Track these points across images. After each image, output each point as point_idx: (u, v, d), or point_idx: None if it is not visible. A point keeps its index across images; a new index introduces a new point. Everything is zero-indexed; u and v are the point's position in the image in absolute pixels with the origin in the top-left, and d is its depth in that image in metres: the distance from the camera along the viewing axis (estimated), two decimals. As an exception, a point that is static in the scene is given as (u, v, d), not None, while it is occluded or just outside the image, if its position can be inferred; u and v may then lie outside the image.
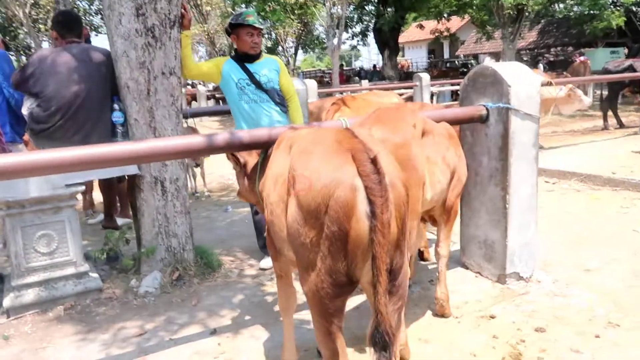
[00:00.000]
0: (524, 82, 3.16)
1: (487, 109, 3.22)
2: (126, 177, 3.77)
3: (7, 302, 3.13)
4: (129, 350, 2.72)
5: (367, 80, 16.85)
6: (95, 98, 3.46)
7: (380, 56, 24.16)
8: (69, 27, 3.63)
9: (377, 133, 2.34)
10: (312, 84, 11.12)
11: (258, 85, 3.71)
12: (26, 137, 3.93)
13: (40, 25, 20.37)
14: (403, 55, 45.67)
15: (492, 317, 2.90)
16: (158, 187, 3.54)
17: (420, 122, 2.52)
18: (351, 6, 24.49)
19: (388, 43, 23.51)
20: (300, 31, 32.06)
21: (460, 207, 3.55)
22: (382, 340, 1.52)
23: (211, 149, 2.53)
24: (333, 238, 1.53)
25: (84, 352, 2.72)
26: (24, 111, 3.48)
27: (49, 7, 18.05)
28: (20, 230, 3.14)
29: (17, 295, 3.16)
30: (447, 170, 2.69)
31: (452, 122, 3.29)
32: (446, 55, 39.54)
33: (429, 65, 35.13)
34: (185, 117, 5.10)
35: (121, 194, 4.42)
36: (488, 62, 10.73)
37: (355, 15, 24.73)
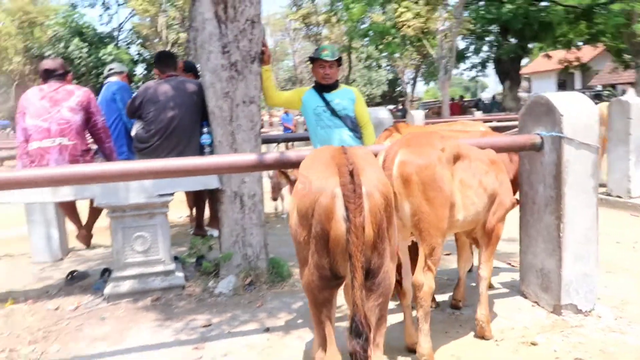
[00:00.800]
0: (579, 112, 3.15)
1: (541, 138, 3.25)
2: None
3: (107, 290, 3.76)
4: (193, 337, 3.14)
5: (480, 112, 16.53)
6: (187, 122, 4.06)
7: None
8: (166, 64, 4.32)
9: (402, 155, 2.56)
10: (418, 114, 11.32)
11: (333, 112, 4.06)
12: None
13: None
14: (529, 87, 43.75)
15: (534, 344, 2.89)
16: (237, 201, 4.00)
17: (451, 147, 2.67)
18: (470, 37, 24.37)
19: (509, 73, 22.84)
20: (419, 62, 32.31)
21: (519, 234, 3.58)
22: (357, 329, 1.74)
23: (263, 165, 2.92)
24: (318, 237, 1.80)
25: (159, 335, 3.20)
26: (132, 133, 4.19)
27: (185, 44, 20.33)
28: (121, 230, 3.77)
29: (115, 285, 3.78)
30: (483, 193, 2.79)
31: (504, 149, 3.38)
32: (577, 86, 37.16)
33: (558, 97, 33.17)
34: (277, 142, 5.64)
35: (212, 207, 5.00)
36: (631, 94, 10.06)
37: (473, 46, 24.35)
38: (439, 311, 3.38)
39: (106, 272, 4.27)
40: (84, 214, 4.46)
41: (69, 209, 4.25)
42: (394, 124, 4.07)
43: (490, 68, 26.17)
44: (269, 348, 2.96)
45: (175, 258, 4.16)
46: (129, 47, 29.32)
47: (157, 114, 4.00)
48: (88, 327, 3.38)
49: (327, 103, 4.06)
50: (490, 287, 3.76)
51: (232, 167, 3.11)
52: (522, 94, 21.24)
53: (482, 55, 25.84)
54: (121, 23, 30.39)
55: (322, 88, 4.12)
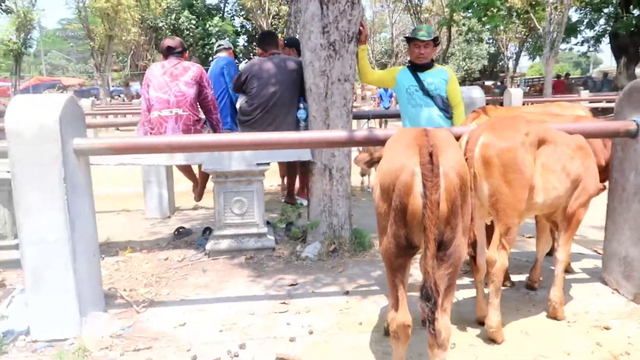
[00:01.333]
0: (680, 99, 3.05)
1: (637, 125, 3.19)
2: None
3: (208, 246, 4.25)
4: (281, 293, 3.51)
5: (587, 91, 15.49)
6: (287, 98, 4.39)
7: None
8: (268, 42, 4.66)
9: (485, 138, 2.68)
10: (517, 92, 10.92)
11: (425, 91, 4.21)
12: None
13: (279, 34, 23.60)
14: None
15: (607, 328, 2.93)
16: (326, 173, 4.29)
17: (536, 131, 2.74)
18: (584, 9, 22.64)
19: (626, 49, 21.02)
20: (525, 36, 30.58)
21: (605, 221, 3.56)
22: (427, 293, 1.96)
23: (352, 142, 3.16)
24: (397, 210, 2.02)
25: (250, 289, 3.61)
26: (237, 106, 4.60)
27: (286, 18, 20.82)
28: (222, 194, 4.21)
29: (215, 242, 4.26)
30: (566, 178, 2.84)
31: (596, 135, 3.35)
32: None
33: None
34: (368, 118, 5.85)
35: (303, 178, 5.36)
36: None
37: (587, 19, 22.60)
38: (514, 290, 3.49)
39: (207, 231, 4.78)
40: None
41: (184, 168, 4.79)
42: (482, 107, 4.12)
43: (605, 43, 24.22)
44: (347, 309, 3.25)
45: (267, 223, 4.56)
46: (233, 19, 30.55)
47: (259, 90, 4.38)
48: (192, 277, 3.88)
49: (420, 82, 4.20)
50: (571, 271, 3.79)
51: (324, 142, 3.39)
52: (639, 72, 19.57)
53: (597, 28, 23.95)
54: (227, -5, 31.69)
55: (416, 67, 4.25)
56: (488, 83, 30.68)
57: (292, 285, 3.66)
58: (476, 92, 5.99)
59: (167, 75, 4.31)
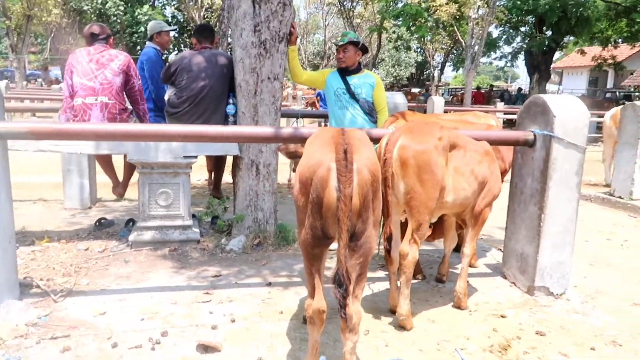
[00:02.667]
0: (571, 114, 3.43)
1: (534, 135, 3.55)
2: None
3: (131, 237, 4.22)
4: (204, 284, 3.58)
5: (502, 103, 16.57)
6: (216, 92, 4.43)
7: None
8: (204, 35, 4.68)
9: (403, 140, 2.90)
10: (438, 100, 11.48)
11: (352, 94, 4.41)
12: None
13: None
14: (560, 81, 43.03)
15: (503, 316, 3.25)
16: (253, 169, 4.39)
17: (448, 136, 3.00)
18: (503, 26, 24.09)
19: (539, 66, 22.66)
20: (450, 47, 32.04)
21: (506, 221, 3.92)
22: (339, 280, 2.12)
23: (279, 138, 3.29)
24: (314, 202, 2.17)
25: (173, 280, 3.64)
26: (166, 97, 4.59)
27: (219, 12, 20.57)
28: (148, 185, 4.19)
29: (139, 234, 4.23)
30: (474, 181, 3.12)
31: (500, 142, 3.70)
32: (609, 84, 36.52)
33: (587, 94, 32.74)
34: (297, 117, 6.00)
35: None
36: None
37: (505, 36, 24.10)
38: (424, 283, 3.76)
39: (130, 222, 4.73)
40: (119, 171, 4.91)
41: (105, 162, 4.68)
42: (400, 112, 4.39)
43: (521, 59, 25.92)
44: (269, 299, 3.37)
45: (193, 216, 4.59)
46: (164, 9, 29.64)
47: (189, 82, 4.39)
48: (113, 267, 3.84)
49: (347, 85, 4.40)
50: (474, 266, 4.13)
51: (252, 137, 3.50)
52: (550, 88, 21.14)
53: (514, 45, 25.58)
54: (158, -16, 30.72)
55: (345, 71, 4.45)
56: (415, 90, 31.88)
57: (215, 276, 3.73)
58: (399, 98, 6.34)
59: (93, 63, 4.23)
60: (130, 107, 4.53)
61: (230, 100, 4.43)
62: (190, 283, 3.60)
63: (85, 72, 4.19)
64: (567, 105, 3.48)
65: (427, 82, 39.34)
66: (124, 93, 4.41)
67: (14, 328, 2.78)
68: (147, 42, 5.37)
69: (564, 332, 3.09)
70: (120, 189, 4.76)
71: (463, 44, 17.22)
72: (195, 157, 4.25)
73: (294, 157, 3.28)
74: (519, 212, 3.75)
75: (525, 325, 3.14)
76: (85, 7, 25.14)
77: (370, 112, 4.46)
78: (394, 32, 29.52)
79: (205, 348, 2.70)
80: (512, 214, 3.84)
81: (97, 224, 4.79)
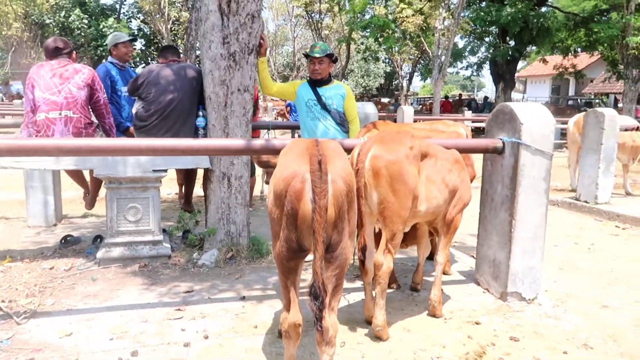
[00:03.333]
0: (537, 122, 3.50)
1: (503, 142, 3.61)
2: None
3: (99, 254, 4.09)
4: (175, 300, 3.49)
5: (470, 112, 16.90)
6: (185, 105, 4.37)
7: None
8: (169, 52, 4.66)
9: (374, 150, 2.90)
10: (408, 109, 11.61)
11: (323, 106, 4.40)
12: (131, 130, 4.89)
13: (179, 40, 23.05)
14: (524, 90, 44.26)
15: (477, 323, 3.27)
16: (225, 181, 4.33)
17: (419, 146, 3.01)
18: (468, 37, 24.65)
19: (504, 75, 23.20)
20: (417, 58, 32.56)
21: (478, 228, 3.96)
22: (315, 292, 2.09)
23: (250, 150, 3.25)
24: (288, 214, 2.14)
25: (143, 297, 3.54)
26: (133, 111, 4.50)
27: (186, 25, 20.48)
28: (116, 200, 4.09)
29: (107, 250, 4.12)
30: (445, 189, 3.14)
31: (470, 150, 3.75)
32: (571, 92, 37.74)
33: (550, 102, 33.72)
34: (268, 128, 5.96)
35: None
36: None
37: (470, 47, 24.66)
38: (399, 292, 3.76)
39: (98, 239, 4.60)
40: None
41: (75, 174, 4.55)
42: (373, 122, 4.40)
43: (486, 69, 26.53)
44: (243, 313, 3.31)
45: (164, 230, 4.49)
46: (130, 21, 29.31)
47: (157, 95, 4.32)
48: (80, 286, 3.72)
49: (318, 97, 4.40)
50: (447, 273, 4.15)
51: (223, 149, 3.45)
52: (515, 97, 21.68)
53: (479, 55, 26.19)
54: (123, -4, 30.37)
55: (315, 82, 4.45)
56: (384, 100, 32.27)
57: (187, 292, 3.64)
58: (370, 108, 6.37)
59: (56, 77, 4.11)
60: (96, 121, 4.42)
61: (200, 113, 4.37)
62: (162, 300, 3.50)
63: (48, 87, 4.07)
64: (533, 112, 3.55)
65: (396, 92, 39.86)
66: (89, 107, 4.30)
67: (-26, 354, 2.65)
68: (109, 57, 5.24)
69: (537, 336, 3.12)
70: (88, 202, 4.63)
71: (430, 54, 17.54)
72: (165, 170, 4.17)
73: (267, 166, 3.25)
74: (490, 219, 3.79)
75: (499, 331, 3.16)
76: (48, 21, 24.68)
77: (342, 123, 4.46)
78: (362, 44, 29.88)
79: (178, 367, 2.63)
80: (483, 221, 3.88)
81: (63, 241, 4.64)
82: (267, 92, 4.61)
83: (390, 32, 19.94)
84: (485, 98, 28.89)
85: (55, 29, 24.75)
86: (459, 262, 4.51)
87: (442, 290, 3.44)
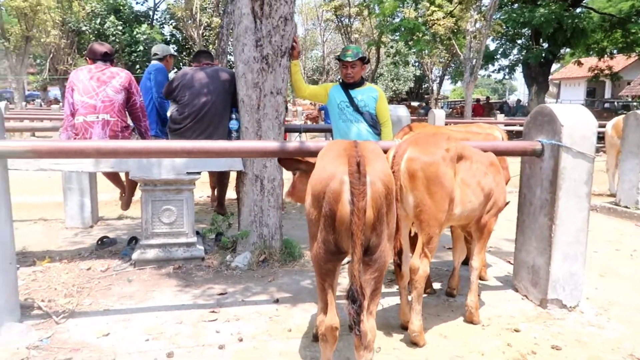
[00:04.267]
0: (578, 123, 3.39)
1: (542, 145, 3.51)
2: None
3: (135, 256, 4.15)
4: (210, 302, 3.50)
5: (502, 115, 16.61)
6: (218, 108, 4.40)
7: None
8: (203, 56, 4.71)
9: (410, 152, 2.85)
10: (440, 113, 11.48)
11: (355, 108, 4.38)
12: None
13: (210, 45, 23.36)
14: (558, 93, 43.28)
15: (517, 330, 3.17)
16: (258, 184, 4.33)
17: (455, 148, 2.95)
18: (500, 39, 24.24)
19: (537, 78, 22.73)
20: (448, 61, 32.19)
21: (516, 233, 3.86)
22: (353, 295, 2.06)
23: (284, 152, 3.24)
24: (326, 216, 2.12)
25: (178, 298, 3.57)
26: (168, 114, 4.55)
27: (218, 30, 20.71)
28: (150, 203, 4.13)
29: (142, 252, 4.16)
30: (480, 192, 3.07)
31: (507, 153, 3.65)
32: (607, 95, 36.74)
33: (585, 105, 32.86)
34: (299, 131, 5.97)
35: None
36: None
37: (502, 49, 24.23)
38: (434, 297, 3.68)
39: (133, 240, 4.66)
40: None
41: (113, 176, 4.64)
42: (409, 124, 4.34)
43: (519, 71, 26.04)
44: (277, 316, 3.30)
45: (197, 233, 4.52)
46: (162, 27, 29.87)
47: (191, 99, 4.36)
48: (117, 287, 3.77)
49: (351, 99, 4.37)
50: (484, 279, 4.06)
51: (256, 152, 3.44)
52: (548, 100, 21.23)
53: (512, 58, 25.72)
54: (157, 3, 30.94)
55: (348, 84, 4.42)
56: (414, 104, 31.99)
57: (221, 294, 3.65)
58: (402, 111, 6.31)
59: (94, 80, 4.20)
60: (132, 124, 4.49)
61: (233, 116, 4.39)
62: (196, 301, 3.52)
63: (86, 90, 4.16)
64: (574, 114, 3.44)
65: (426, 96, 39.50)
66: (126, 110, 4.38)
67: (14, 352, 2.71)
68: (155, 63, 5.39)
69: (580, 345, 3.01)
70: (124, 203, 4.71)
71: (461, 56, 17.29)
72: (199, 173, 4.20)
73: (295, 169, 3.22)
74: (529, 223, 3.69)
75: (540, 339, 3.06)
76: (84, 28, 25.32)
77: (375, 125, 4.42)
78: (391, 47, 29.71)
79: (213, 369, 2.63)
80: (521, 225, 3.78)
81: (99, 242, 4.72)
82: (300, 94, 4.61)
83: (421, 35, 19.77)
84: (518, 101, 28.35)
85: (91, 36, 25.39)
86: (495, 267, 4.40)
87: (479, 296, 3.37)
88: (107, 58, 4.31)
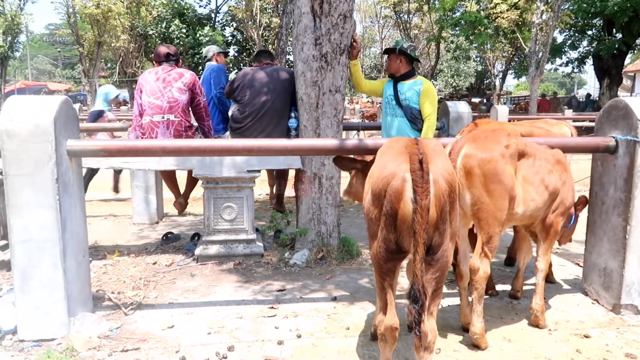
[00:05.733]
0: (657, 117, 3.17)
1: (616, 141, 3.31)
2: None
3: (197, 251, 4.27)
4: (269, 298, 3.55)
5: (571, 111, 15.81)
6: (278, 107, 4.45)
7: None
8: (263, 55, 4.77)
9: (467, 149, 2.77)
10: (503, 109, 11.12)
11: (398, 101, 4.32)
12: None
13: (269, 45, 23.72)
14: (633, 86, 40.73)
15: (587, 336, 3.01)
16: (316, 182, 4.35)
17: (516, 144, 2.83)
18: (569, 31, 23.13)
19: (609, 71, 21.54)
20: (511, 55, 31.10)
21: (586, 234, 3.67)
22: (414, 295, 2.02)
23: (343, 150, 3.23)
24: (387, 215, 2.09)
25: (238, 293, 3.64)
26: (229, 113, 4.66)
27: (277, 30, 21.02)
28: (212, 200, 4.24)
29: (204, 248, 4.28)
30: (544, 191, 2.93)
31: (577, 150, 3.49)
32: (688, 87, 34.19)
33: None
34: (357, 129, 5.94)
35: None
36: None
37: (570, 41, 23.10)
38: (497, 299, 3.56)
39: (196, 237, 4.81)
40: (182, 185, 5.01)
41: (169, 178, 4.81)
42: (475, 121, 4.22)
43: (589, 64, 24.76)
44: (335, 314, 3.30)
45: (256, 230, 4.60)
46: (224, 29, 30.61)
47: (251, 98, 4.44)
48: (180, 281, 3.90)
49: (396, 92, 4.33)
50: (553, 281, 3.88)
51: (315, 150, 3.47)
52: (622, 94, 20.05)
53: (581, 50, 24.47)
54: (218, 5, 31.83)
55: (395, 78, 4.37)
56: (475, 100, 31.09)
57: (280, 290, 3.70)
58: (463, 107, 6.14)
59: (160, 81, 4.36)
60: (195, 123, 4.63)
61: (292, 114, 4.43)
62: (256, 297, 3.58)
63: (153, 91, 4.33)
64: (652, 107, 3.22)
65: (487, 92, 38.34)
66: (190, 110, 4.52)
67: (87, 340, 2.85)
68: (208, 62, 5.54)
69: (658, 355, 2.82)
70: (181, 201, 4.86)
71: (526, 50, 16.63)
72: (259, 171, 4.27)
73: (350, 168, 3.21)
74: (600, 224, 3.49)
75: (612, 346, 2.89)
76: (151, 32, 26.36)
77: (414, 120, 4.29)
78: (452, 42, 29.04)
79: (272, 364, 2.66)
80: (592, 226, 3.59)
81: (164, 238, 4.90)
82: (360, 89, 4.64)
83: (483, 28, 19.18)
84: (588, 95, 26.91)
85: (157, 39, 26.40)
86: (563, 270, 4.21)
87: (544, 299, 3.23)
88: (170, 59, 4.47)
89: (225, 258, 4.28)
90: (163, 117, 4.29)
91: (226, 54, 5.89)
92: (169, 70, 4.42)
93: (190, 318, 3.22)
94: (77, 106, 14.62)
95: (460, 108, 6.08)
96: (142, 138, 4.34)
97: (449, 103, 6.21)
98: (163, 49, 4.54)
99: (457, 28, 20.71)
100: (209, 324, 3.13)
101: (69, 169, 2.94)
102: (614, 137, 3.32)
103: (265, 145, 3.29)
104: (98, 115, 6.68)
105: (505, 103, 34.46)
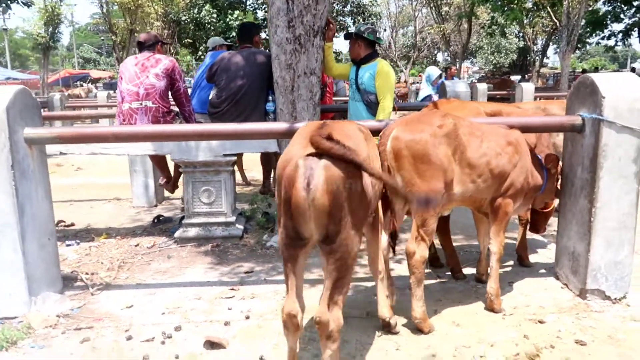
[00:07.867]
0: (624, 94, 3.01)
1: (583, 119, 3.17)
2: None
3: (177, 234, 4.39)
4: (234, 280, 3.62)
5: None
6: (254, 91, 4.47)
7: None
8: (243, 35, 4.75)
9: (396, 132, 2.71)
10: (528, 87, 10.78)
11: (357, 86, 4.31)
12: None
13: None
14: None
15: (541, 322, 2.93)
16: (293, 165, 4.36)
17: (453, 124, 2.73)
18: (611, 1, 21.92)
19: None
20: (552, 29, 29.84)
21: (557, 217, 3.54)
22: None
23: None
24: (284, 201, 2.07)
25: (207, 275, 3.72)
26: (210, 98, 4.72)
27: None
28: (191, 183, 4.33)
29: (184, 230, 4.39)
30: (488, 172, 2.83)
31: (542, 129, 3.35)
32: None
33: None
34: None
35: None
36: None
37: (613, 12, 21.90)
38: (463, 283, 3.50)
39: (183, 219, 4.91)
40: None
41: (158, 162, 4.92)
42: (434, 101, 4.12)
43: (634, 37, 23.45)
44: (293, 296, 3.32)
45: (241, 213, 4.66)
46: (255, 12, 30.67)
47: (228, 82, 4.48)
48: (156, 263, 4.01)
49: (356, 77, 4.33)
50: (527, 265, 3.78)
51: (288, 132, 3.43)
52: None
53: (626, 21, 23.17)
54: (250, -11, 31.86)
55: (358, 62, 4.38)
56: (514, 77, 30.06)
57: (247, 272, 3.76)
58: (461, 87, 6.00)
59: (138, 67, 4.44)
60: (176, 109, 4.71)
61: (270, 98, 4.44)
62: (221, 279, 3.65)
63: (131, 78, 4.42)
64: (619, 83, 3.06)
65: (530, 68, 37.04)
66: (169, 96, 4.59)
67: (45, 318, 2.99)
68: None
69: (611, 342, 2.72)
70: (169, 185, 4.96)
71: (558, 24, 15.92)
72: (235, 154, 4.31)
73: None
74: (570, 206, 3.36)
75: (564, 332, 2.81)
76: (183, 18, 26.71)
77: (369, 104, 4.31)
78: (487, 19, 28.11)
79: (211, 344, 2.72)
80: (563, 208, 3.46)
81: (155, 220, 5.03)
82: (329, 73, 4.67)
83: (518, 3, 18.43)
84: (633, 69, 25.59)
85: (190, 25, 26.76)
86: (544, 253, 4.08)
87: (511, 282, 3.15)
88: (142, 47, 4.54)
89: (204, 240, 4.37)
90: (141, 104, 4.38)
91: (229, 47, 5.93)
92: (148, 57, 4.50)
93: (152, 299, 3.33)
94: (106, 93, 15.03)
95: (458, 87, 5.93)
96: (122, 124, 4.45)
97: (447, 82, 6.08)
98: (138, 38, 4.63)
99: (487, 4, 19.96)
100: (166, 304, 3.23)
101: (27, 155, 3.06)
102: (580, 115, 3.18)
103: (238, 129, 3.37)
104: None
105: (547, 80, 33.16)
